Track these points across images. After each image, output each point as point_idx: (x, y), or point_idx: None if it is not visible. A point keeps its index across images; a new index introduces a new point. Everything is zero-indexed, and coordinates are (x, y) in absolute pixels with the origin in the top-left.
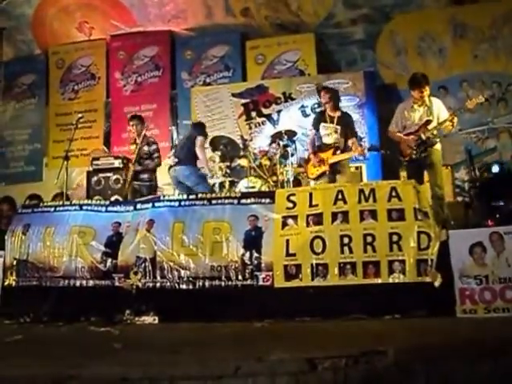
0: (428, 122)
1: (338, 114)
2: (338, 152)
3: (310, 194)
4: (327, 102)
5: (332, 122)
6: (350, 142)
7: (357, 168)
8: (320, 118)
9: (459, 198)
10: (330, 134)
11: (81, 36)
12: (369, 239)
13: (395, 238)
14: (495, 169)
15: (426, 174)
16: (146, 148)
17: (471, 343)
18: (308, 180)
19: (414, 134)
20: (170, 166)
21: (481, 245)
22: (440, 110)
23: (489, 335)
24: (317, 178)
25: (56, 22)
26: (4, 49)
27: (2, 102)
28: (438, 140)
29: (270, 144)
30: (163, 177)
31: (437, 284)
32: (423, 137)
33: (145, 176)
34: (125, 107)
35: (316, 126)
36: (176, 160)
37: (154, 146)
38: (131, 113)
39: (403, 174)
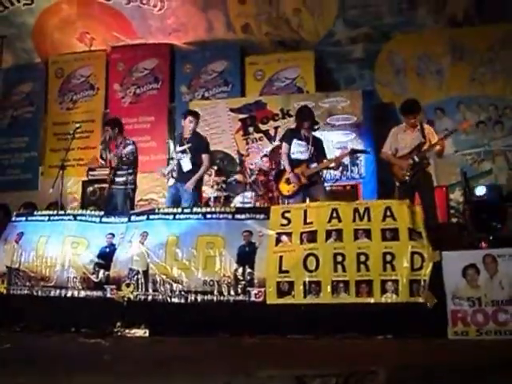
0: (421, 144)
1: (312, 135)
2: (314, 165)
3: (305, 212)
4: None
5: (307, 141)
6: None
7: (352, 187)
8: (293, 134)
9: (453, 220)
10: (303, 151)
11: (81, 46)
12: (362, 258)
13: (389, 257)
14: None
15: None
16: (123, 151)
17: (463, 364)
18: (282, 199)
19: (407, 157)
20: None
21: (474, 267)
22: (431, 135)
23: (481, 357)
24: (293, 195)
25: (57, 31)
26: (4, 56)
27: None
28: (430, 163)
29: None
30: (161, 188)
31: (430, 305)
32: (416, 159)
33: (120, 180)
34: (123, 118)
35: (288, 140)
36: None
37: (129, 148)
38: (129, 124)
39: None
